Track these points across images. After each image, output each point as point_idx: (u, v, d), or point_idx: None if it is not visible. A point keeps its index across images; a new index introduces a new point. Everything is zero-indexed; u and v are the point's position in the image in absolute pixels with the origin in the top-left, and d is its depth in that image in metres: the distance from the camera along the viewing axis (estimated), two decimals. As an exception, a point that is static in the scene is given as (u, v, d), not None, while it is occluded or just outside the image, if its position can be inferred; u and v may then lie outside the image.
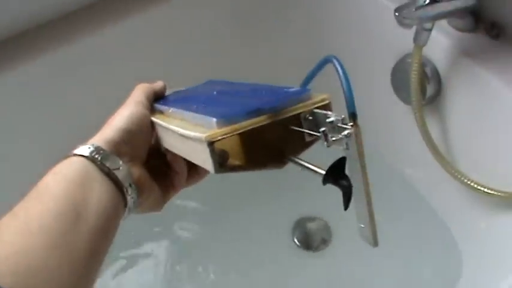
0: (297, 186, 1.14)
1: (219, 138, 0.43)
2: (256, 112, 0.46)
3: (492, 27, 0.93)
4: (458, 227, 1.05)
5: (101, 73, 1.09)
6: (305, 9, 1.22)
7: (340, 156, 0.44)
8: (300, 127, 0.48)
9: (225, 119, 0.45)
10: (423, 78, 0.97)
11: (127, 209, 0.51)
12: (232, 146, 0.48)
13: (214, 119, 0.45)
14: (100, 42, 1.06)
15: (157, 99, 0.60)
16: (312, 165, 0.46)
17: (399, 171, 1.19)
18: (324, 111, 0.45)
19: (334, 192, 0.45)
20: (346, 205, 0.43)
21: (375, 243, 0.46)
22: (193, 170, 0.59)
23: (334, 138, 0.42)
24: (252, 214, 1.21)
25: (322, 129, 0.43)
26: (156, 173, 0.56)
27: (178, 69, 1.13)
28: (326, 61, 0.49)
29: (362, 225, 0.46)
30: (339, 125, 0.42)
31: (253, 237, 1.19)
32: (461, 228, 1.04)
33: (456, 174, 0.92)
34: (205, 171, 0.59)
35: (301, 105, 0.47)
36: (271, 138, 0.48)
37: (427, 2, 0.83)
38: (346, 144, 0.42)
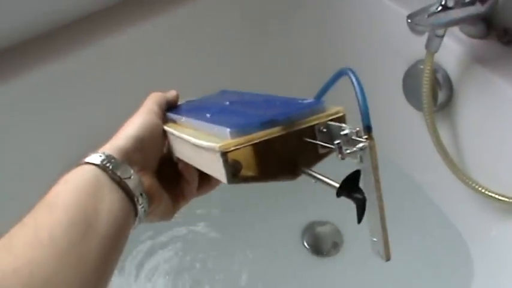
0: (308, 189, 1.07)
1: (233, 148, 0.44)
2: (270, 123, 0.46)
3: (504, 33, 0.94)
4: (469, 233, 1.05)
5: (110, 81, 1.08)
6: (315, 16, 1.22)
7: (354, 169, 0.44)
8: (314, 139, 0.48)
9: (238, 130, 0.45)
10: (435, 85, 0.97)
11: (137, 219, 0.51)
12: (245, 157, 0.47)
13: (228, 129, 0.45)
14: (109, 50, 1.06)
15: (170, 108, 0.60)
16: (326, 177, 0.46)
17: (410, 177, 1.18)
18: (339, 124, 0.45)
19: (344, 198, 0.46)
20: (360, 218, 0.43)
21: (387, 257, 0.45)
22: (205, 180, 0.59)
23: (348, 151, 0.42)
24: (261, 217, 1.20)
25: (337, 141, 0.43)
26: (167, 182, 0.56)
27: (188, 77, 1.13)
28: (341, 74, 0.48)
29: (374, 239, 0.46)
30: (354, 137, 0.42)
31: (262, 240, 1.18)
32: (472, 234, 1.04)
33: (467, 180, 0.92)
34: (216, 182, 0.59)
35: (315, 117, 0.48)
36: (284, 150, 0.48)
37: (439, 9, 0.84)
38: (360, 157, 0.42)
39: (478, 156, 0.97)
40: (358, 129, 0.42)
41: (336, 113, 0.48)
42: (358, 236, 1.11)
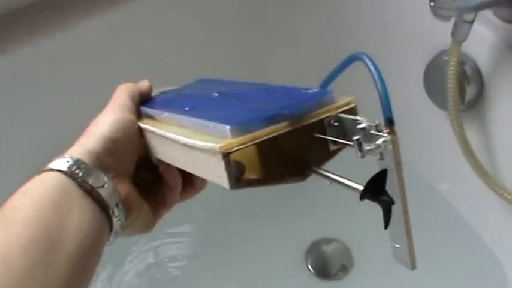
0: (310, 202, 1.18)
1: (236, 148, 0.43)
2: (274, 118, 0.45)
3: (546, 18, 0.91)
4: (502, 250, 1.04)
5: (82, 71, 1.08)
6: (322, 1, 1.24)
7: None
8: (323, 134, 0.48)
9: (240, 127, 0.44)
10: (462, 79, 0.96)
11: (112, 233, 0.50)
12: (248, 158, 0.48)
13: (228, 127, 0.44)
14: (83, 34, 1.06)
15: (143, 101, 0.59)
16: (344, 178, 0.45)
17: (432, 186, 1.19)
18: (353, 117, 0.45)
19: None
20: (387, 223, 0.43)
21: (413, 265, 0.46)
22: (188, 184, 0.59)
23: (368, 148, 0.42)
24: (257, 234, 1.20)
25: (356, 137, 0.42)
26: (145, 188, 0.55)
27: (179, 66, 1.10)
28: (353, 59, 0.48)
29: (397, 246, 0.46)
30: (372, 132, 0.42)
31: (260, 263, 1.17)
32: (506, 251, 1.03)
33: (500, 190, 0.91)
34: (201, 185, 0.59)
35: (324, 109, 0.47)
36: (291, 148, 0.49)
37: (468, -11, 0.83)
38: (381, 154, 0.42)
39: None
40: (377, 122, 0.42)
41: (347, 103, 0.48)
42: (370, 256, 1.10)
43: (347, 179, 0.45)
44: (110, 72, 1.01)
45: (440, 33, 0.93)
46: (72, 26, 1.04)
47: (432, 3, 0.85)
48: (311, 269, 1.16)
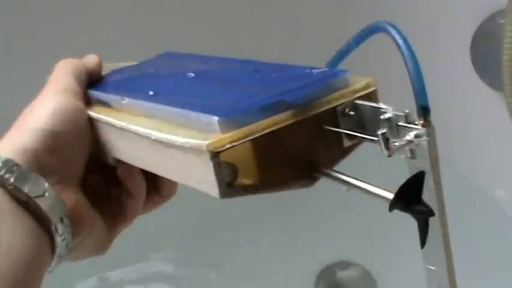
0: (322, 216, 1.17)
1: (228, 146, 0.40)
2: (274, 106, 0.43)
3: None
4: None
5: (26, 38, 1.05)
6: None
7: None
8: (336, 126, 0.45)
9: (231, 118, 0.42)
10: None
11: (56, 257, 0.46)
12: (242, 158, 0.46)
13: (216, 118, 0.41)
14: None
15: (91, 82, 0.56)
16: (365, 182, 0.44)
17: (485, 192, 1.14)
18: (374, 104, 0.44)
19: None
20: (424, 240, 0.43)
21: None
22: (153, 190, 0.55)
23: (397, 144, 0.39)
24: (262, 257, 1.17)
25: (382, 130, 0.40)
26: (98, 196, 0.52)
27: (171, 44, 1.09)
28: (374, 30, 0.46)
29: (432, 268, 0.44)
30: (401, 124, 0.40)
31: None
32: None
33: None
34: (170, 191, 0.56)
35: (337, 94, 0.45)
36: (295, 144, 0.47)
37: None
38: (411, 151, 0.40)
39: None
40: (407, 111, 0.40)
41: (366, 86, 0.45)
42: (396, 283, 1.05)
43: (370, 184, 0.43)
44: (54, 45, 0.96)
45: None
46: None
47: None
48: None
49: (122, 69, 0.60)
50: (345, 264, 1.15)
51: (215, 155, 0.40)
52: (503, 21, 0.89)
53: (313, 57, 0.58)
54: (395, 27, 0.42)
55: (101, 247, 0.53)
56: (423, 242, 0.42)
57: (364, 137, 0.44)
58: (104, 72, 0.59)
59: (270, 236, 1.20)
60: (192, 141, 0.42)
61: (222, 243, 1.20)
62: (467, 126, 1.16)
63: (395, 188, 0.41)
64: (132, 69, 0.61)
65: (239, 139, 0.41)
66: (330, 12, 1.30)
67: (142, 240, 1.06)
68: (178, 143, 0.43)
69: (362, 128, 0.44)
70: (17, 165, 0.45)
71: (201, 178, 0.43)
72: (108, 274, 1.18)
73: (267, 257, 1.18)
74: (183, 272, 1.20)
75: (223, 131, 0.41)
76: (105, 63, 0.58)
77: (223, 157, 0.41)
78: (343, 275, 1.14)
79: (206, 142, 0.40)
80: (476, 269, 1.03)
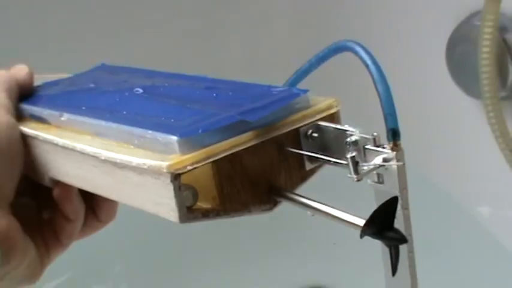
0: (295, 239, 1.15)
1: (189, 168, 0.39)
2: (236, 127, 0.42)
3: None
4: None
5: None
6: None
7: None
8: (298, 148, 0.45)
9: (191, 139, 0.40)
10: (502, 53, 0.89)
11: None
12: (202, 180, 0.44)
13: (175, 138, 0.40)
14: None
15: (22, 96, 0.55)
16: (332, 207, 0.42)
17: (459, 203, 1.11)
18: (340, 126, 0.44)
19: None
20: (395, 267, 0.41)
21: None
22: (90, 213, 0.55)
23: (365, 168, 0.39)
24: (240, 280, 1.15)
25: (352, 154, 0.39)
26: (30, 221, 0.51)
27: (124, 53, 1.01)
28: (340, 49, 0.46)
29: None
30: (368, 147, 0.40)
31: None
32: None
33: None
34: (109, 215, 0.56)
35: (299, 115, 0.45)
36: (256, 166, 0.45)
37: None
38: (378, 176, 0.40)
39: None
40: (376, 134, 0.40)
41: (329, 107, 0.45)
42: None
43: (338, 209, 0.43)
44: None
45: None
46: None
47: None
48: None
49: (55, 82, 0.59)
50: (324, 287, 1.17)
51: (176, 177, 0.39)
52: (479, 23, 0.86)
53: (272, 74, 0.60)
54: (362, 47, 0.43)
55: (32, 276, 0.51)
56: (394, 269, 0.41)
57: (329, 160, 0.44)
58: (35, 84, 0.58)
59: (242, 261, 1.18)
60: (150, 162, 0.41)
61: (182, 272, 1.19)
62: (445, 136, 1.11)
63: (361, 211, 0.41)
64: (67, 82, 0.59)
65: (200, 160, 0.40)
66: (292, 24, 1.27)
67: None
68: (133, 164, 0.42)
69: (325, 151, 0.44)
70: None
71: (158, 201, 0.42)
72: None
73: (239, 283, 1.16)
74: None
75: (182, 152, 0.40)
76: (36, 74, 0.57)
77: (183, 179, 0.40)
78: None
79: (166, 163, 0.39)
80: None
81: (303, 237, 1.12)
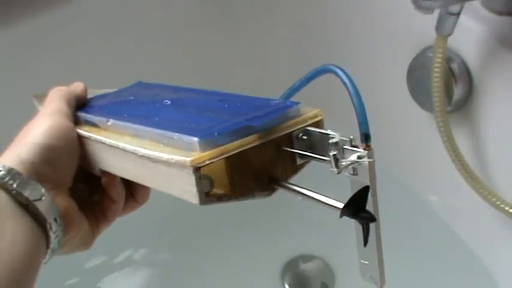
0: (287, 216, 1.18)
1: (208, 162, 0.44)
2: (244, 131, 0.47)
3: (539, 8, 0.89)
4: (496, 263, 1.03)
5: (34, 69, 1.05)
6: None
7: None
8: (291, 147, 0.50)
9: (209, 139, 0.45)
10: (449, 78, 0.94)
11: (50, 250, 0.49)
12: (217, 172, 0.48)
13: (196, 139, 0.45)
14: (31, 27, 1.04)
15: (79, 106, 0.59)
16: (320, 194, 0.47)
17: (419, 197, 1.18)
18: (323, 130, 0.48)
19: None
20: (367, 240, 0.46)
21: (382, 282, 0.48)
22: (129, 196, 0.59)
23: (344, 163, 0.44)
24: (228, 254, 1.19)
25: (333, 152, 0.44)
26: (84, 201, 0.55)
27: (138, 68, 1.12)
28: (323, 71, 0.50)
29: (366, 262, 0.48)
30: (346, 147, 0.44)
31: (232, 284, 1.16)
32: (500, 265, 1.03)
33: (492, 199, 0.90)
34: (144, 198, 0.60)
35: (293, 122, 0.49)
36: (259, 161, 0.50)
37: (453, -22, 0.81)
38: (354, 169, 0.44)
39: (506, 168, 0.94)
40: (352, 137, 0.44)
41: (315, 116, 0.50)
42: (353, 272, 1.14)
43: (322, 194, 0.46)
44: (75, 72, 0.98)
45: (424, 28, 0.92)
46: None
47: None
48: None
49: (103, 95, 0.63)
50: (307, 257, 1.17)
51: (197, 169, 0.44)
52: (431, 55, 0.91)
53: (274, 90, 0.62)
54: (342, 70, 0.47)
55: (86, 244, 0.55)
56: (366, 242, 0.46)
57: (315, 157, 0.48)
58: (89, 96, 0.62)
59: (241, 235, 1.20)
60: (177, 157, 0.45)
61: (198, 244, 1.20)
62: (406, 142, 1.16)
63: (339, 196, 0.46)
64: (112, 95, 0.63)
65: (216, 157, 0.44)
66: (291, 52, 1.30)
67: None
68: (163, 159, 0.46)
69: (312, 149, 0.48)
70: (18, 173, 0.47)
71: (183, 188, 0.45)
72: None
73: (238, 254, 1.18)
74: (161, 269, 1.19)
75: (202, 150, 0.45)
76: (89, 89, 0.62)
77: (202, 171, 0.44)
78: (305, 267, 1.16)
79: (189, 159, 0.44)
80: (409, 266, 1.09)
81: (295, 213, 1.12)
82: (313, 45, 1.26)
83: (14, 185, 0.46)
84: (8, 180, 0.46)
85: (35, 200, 0.47)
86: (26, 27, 1.02)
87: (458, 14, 0.83)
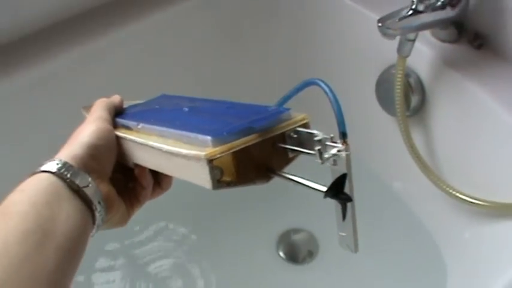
0: (280, 197, 1.14)
1: (218, 156, 0.45)
2: (247, 131, 0.48)
3: (475, 37, 0.95)
4: (443, 237, 1.05)
5: (78, 86, 1.07)
6: (287, 22, 1.23)
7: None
8: (283, 144, 0.50)
9: (219, 138, 0.46)
10: (407, 89, 0.97)
11: (95, 226, 0.51)
12: (225, 163, 0.49)
13: (209, 137, 0.46)
14: (78, 56, 1.05)
15: (117, 113, 0.61)
16: (307, 180, 0.48)
17: (385, 183, 1.18)
18: (309, 130, 0.48)
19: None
20: (345, 216, 0.47)
21: (356, 249, 0.49)
22: (156, 185, 0.60)
23: (326, 156, 0.45)
24: (233, 228, 1.19)
25: (318, 147, 0.45)
26: (121, 188, 0.56)
27: (153, 82, 1.11)
28: (309, 83, 0.51)
29: (343, 234, 0.49)
30: (328, 143, 0.45)
31: (236, 252, 1.17)
32: (446, 238, 1.04)
33: (440, 184, 0.92)
34: (167, 185, 0.61)
35: (285, 123, 0.50)
36: (258, 155, 0.50)
37: (410, 13, 0.84)
38: (334, 161, 0.45)
39: (452, 160, 0.97)
40: (332, 135, 0.45)
41: (302, 119, 0.51)
42: (333, 243, 1.05)
43: (310, 180, 0.47)
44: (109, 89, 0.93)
45: (388, 50, 0.94)
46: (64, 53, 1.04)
47: (380, 24, 0.85)
48: (282, 255, 1.17)
49: (135, 105, 0.64)
50: (297, 230, 1.20)
51: (210, 161, 0.45)
52: (394, 71, 0.94)
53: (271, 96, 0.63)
54: (324, 82, 0.48)
55: (123, 221, 0.57)
56: (344, 217, 0.48)
57: (304, 152, 0.49)
58: (124, 106, 0.63)
59: (241, 213, 1.20)
60: (193, 152, 0.46)
61: (206, 220, 1.21)
62: (376, 140, 1.16)
63: (322, 181, 0.47)
64: (142, 105, 0.64)
65: (225, 151, 0.46)
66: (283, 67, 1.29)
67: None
68: (183, 153, 0.48)
69: (301, 145, 0.49)
70: (71, 166, 0.49)
71: (199, 176, 0.47)
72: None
73: (240, 228, 1.19)
74: (168, 238, 1.19)
75: (214, 146, 0.46)
76: (125, 101, 0.64)
77: (214, 163, 0.46)
78: (295, 238, 1.18)
79: (204, 153, 0.45)
80: (371, 237, 1.05)
81: (286, 196, 1.10)
82: (302, 63, 1.26)
83: (68, 175, 0.48)
84: (64, 171, 0.48)
85: (84, 187, 0.49)
86: (76, 54, 1.04)
87: (414, 40, 0.88)
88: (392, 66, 1.00)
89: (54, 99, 1.02)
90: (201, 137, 0.47)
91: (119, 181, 0.56)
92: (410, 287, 1.06)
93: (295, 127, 0.50)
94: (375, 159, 1.18)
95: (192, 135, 0.49)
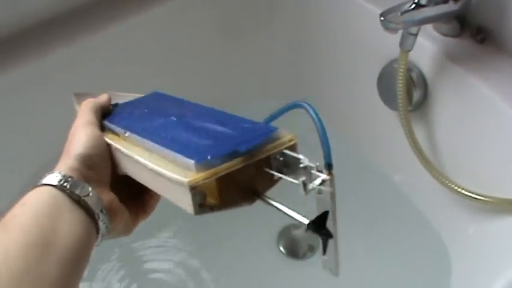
0: (281, 192, 1.11)
1: (201, 183, 0.45)
2: (231, 155, 0.48)
3: (478, 32, 0.94)
4: (447, 232, 1.04)
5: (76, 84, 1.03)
6: (289, 17, 1.23)
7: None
8: (268, 166, 0.50)
9: (203, 162, 0.46)
10: (409, 84, 0.97)
11: (100, 235, 0.51)
12: (209, 188, 0.48)
13: (193, 162, 0.46)
14: (77, 49, 1.05)
15: (104, 114, 0.60)
16: (290, 209, 0.47)
17: (389, 177, 1.18)
18: (296, 155, 0.48)
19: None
20: (325, 250, 0.47)
21: (337, 273, 0.49)
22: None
23: (310, 186, 0.44)
24: (233, 223, 1.17)
25: (302, 178, 0.44)
26: (123, 195, 0.56)
27: (153, 81, 0.99)
28: (296, 106, 0.50)
29: (325, 258, 0.49)
30: (313, 172, 0.45)
31: (236, 247, 1.17)
32: (450, 233, 1.04)
33: (443, 180, 0.92)
34: (154, 201, 0.61)
35: (271, 145, 0.49)
36: (243, 178, 0.50)
37: (412, 7, 0.84)
38: (319, 190, 0.45)
39: (454, 155, 0.97)
40: (318, 164, 0.45)
41: (290, 140, 0.50)
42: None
43: (292, 210, 0.47)
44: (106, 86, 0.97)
45: (390, 44, 0.93)
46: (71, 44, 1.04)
47: (382, 18, 0.85)
48: (282, 250, 1.17)
49: (125, 104, 0.63)
50: (297, 225, 1.02)
51: (192, 188, 0.45)
52: (396, 65, 0.94)
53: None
54: (310, 106, 0.48)
55: (128, 230, 0.57)
56: (324, 251, 0.48)
57: (291, 180, 0.48)
58: (112, 101, 0.62)
59: (242, 209, 1.19)
60: (176, 177, 0.46)
61: (207, 216, 1.21)
62: (378, 133, 1.16)
63: (306, 208, 0.47)
64: (131, 105, 0.63)
65: (208, 177, 0.46)
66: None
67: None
68: (167, 176, 0.48)
69: (286, 167, 0.49)
70: (71, 177, 0.50)
71: (181, 199, 0.47)
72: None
73: (242, 222, 1.15)
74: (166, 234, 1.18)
75: (197, 171, 0.46)
76: (116, 92, 0.64)
77: (196, 189, 0.46)
78: (296, 233, 1.18)
79: (186, 180, 0.45)
80: (373, 228, 1.12)
81: (286, 195, 1.05)
82: (304, 56, 1.25)
83: (68, 186, 0.49)
84: (63, 183, 0.49)
85: (84, 196, 0.49)
86: (75, 47, 1.04)
87: (416, 34, 0.88)
88: (394, 61, 1.00)
89: (52, 92, 1.02)
90: (185, 159, 0.47)
91: (120, 189, 0.56)
92: (413, 281, 1.06)
93: (282, 149, 0.49)
94: (377, 154, 1.18)
95: (178, 156, 0.48)
